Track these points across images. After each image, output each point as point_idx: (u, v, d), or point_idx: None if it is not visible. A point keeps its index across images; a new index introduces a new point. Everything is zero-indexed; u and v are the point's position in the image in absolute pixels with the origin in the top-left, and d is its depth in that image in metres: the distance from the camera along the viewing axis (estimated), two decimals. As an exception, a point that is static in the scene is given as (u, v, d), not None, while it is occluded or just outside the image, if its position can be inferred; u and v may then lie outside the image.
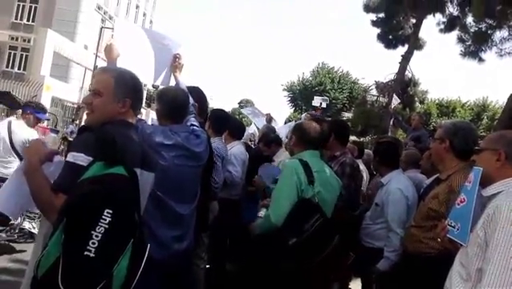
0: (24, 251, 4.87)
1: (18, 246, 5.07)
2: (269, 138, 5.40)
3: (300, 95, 36.16)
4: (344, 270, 3.39)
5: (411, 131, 7.65)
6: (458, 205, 1.86)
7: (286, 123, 12.48)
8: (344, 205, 3.05)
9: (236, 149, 4.30)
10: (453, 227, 1.84)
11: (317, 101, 17.11)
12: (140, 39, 3.06)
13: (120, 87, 1.85)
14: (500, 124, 7.76)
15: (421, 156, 4.16)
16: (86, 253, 1.34)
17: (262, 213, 2.93)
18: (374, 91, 19.99)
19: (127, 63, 2.70)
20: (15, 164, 4.47)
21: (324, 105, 17.33)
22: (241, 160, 4.26)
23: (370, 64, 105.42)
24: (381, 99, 17.64)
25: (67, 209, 1.43)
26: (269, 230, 2.60)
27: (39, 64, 20.00)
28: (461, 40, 12.54)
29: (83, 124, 2.08)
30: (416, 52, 17.27)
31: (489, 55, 12.02)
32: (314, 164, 2.68)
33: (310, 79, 36.81)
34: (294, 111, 36.14)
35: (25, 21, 31.45)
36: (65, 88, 19.83)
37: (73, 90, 21.61)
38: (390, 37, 18.22)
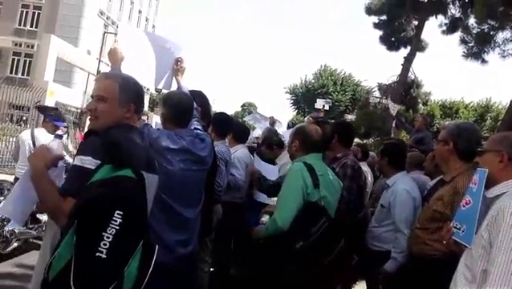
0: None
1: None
2: (271, 141, 5.40)
3: (303, 97, 36.14)
4: (348, 273, 3.37)
5: (414, 132, 7.63)
6: (463, 207, 1.85)
7: (288, 125, 12.48)
8: (347, 207, 3.05)
9: (239, 153, 4.31)
10: (459, 229, 1.83)
11: (320, 103, 17.06)
12: (143, 43, 3.07)
13: (125, 92, 1.87)
14: (504, 124, 7.75)
15: (425, 158, 4.16)
16: (98, 254, 1.37)
17: (264, 219, 2.92)
18: (377, 93, 19.97)
19: (130, 67, 2.72)
20: None
21: (327, 107, 17.27)
22: (244, 163, 4.26)
23: (372, 66, 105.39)
24: (384, 101, 17.60)
25: (77, 211, 1.45)
26: (275, 234, 2.60)
27: (43, 70, 20.11)
28: (463, 41, 12.53)
29: (86, 129, 2.10)
30: (418, 54, 17.28)
31: (491, 56, 12.06)
32: (318, 168, 2.68)
33: (313, 81, 36.77)
34: (297, 113, 36.09)
35: (28, 27, 31.70)
36: (68, 93, 19.91)
37: (76, 95, 21.69)
38: (392, 39, 18.21)
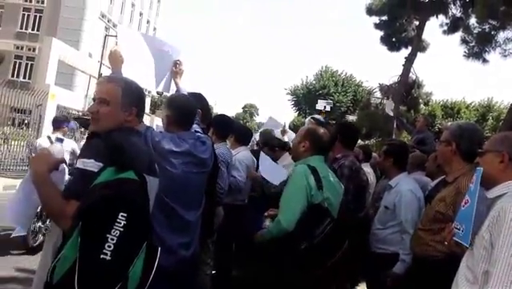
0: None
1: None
2: (273, 142, 5.40)
3: (304, 98, 36.15)
4: (351, 274, 3.36)
5: (415, 133, 7.62)
6: (463, 206, 1.86)
7: (290, 127, 12.45)
8: (347, 208, 3.04)
9: (241, 155, 4.31)
10: (459, 230, 1.83)
11: (321, 105, 17.07)
12: (142, 46, 3.07)
13: (127, 96, 1.88)
14: (505, 124, 7.73)
15: (427, 159, 4.15)
16: (102, 256, 1.38)
17: (267, 223, 2.92)
18: (378, 94, 19.96)
19: (130, 69, 2.72)
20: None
21: (328, 108, 17.28)
22: (245, 165, 4.26)
23: (374, 67, 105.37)
24: (385, 101, 17.60)
25: (82, 214, 1.46)
26: (279, 235, 2.61)
27: (44, 73, 20.11)
28: (464, 41, 12.53)
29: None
30: (419, 54, 17.27)
31: (493, 56, 12.04)
32: (320, 170, 2.70)
33: (314, 82, 36.79)
34: (298, 114, 36.11)
35: (30, 30, 31.83)
36: (70, 96, 19.95)
37: (78, 98, 21.75)
38: (393, 39, 18.21)
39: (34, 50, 30.65)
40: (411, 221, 3.07)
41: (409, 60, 16.91)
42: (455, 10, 15.85)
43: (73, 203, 1.55)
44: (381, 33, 18.38)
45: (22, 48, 31.51)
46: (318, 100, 18.88)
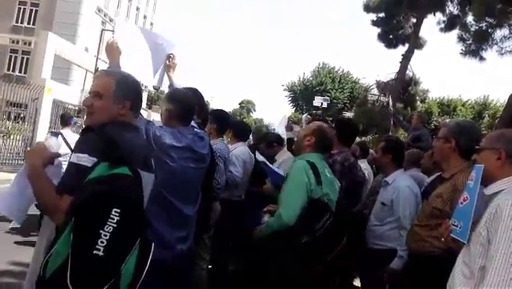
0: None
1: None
2: (271, 138, 5.40)
3: (301, 95, 36.16)
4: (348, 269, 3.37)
5: (412, 130, 7.65)
6: (461, 203, 1.86)
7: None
8: (344, 203, 3.06)
9: (238, 150, 4.31)
10: (456, 226, 1.84)
11: (318, 101, 17.10)
12: (138, 39, 3.04)
13: (121, 89, 1.86)
14: (501, 122, 7.76)
15: (422, 156, 4.17)
16: (95, 252, 1.36)
17: (265, 219, 2.93)
18: (375, 91, 20.01)
19: (127, 63, 2.68)
20: None
21: (325, 105, 17.32)
22: (242, 160, 4.26)
23: (371, 64, 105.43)
24: (382, 98, 17.64)
25: (75, 209, 1.44)
26: (279, 230, 2.63)
27: (40, 67, 19.98)
28: (461, 39, 12.54)
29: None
30: (416, 51, 17.30)
31: (489, 54, 12.06)
32: (319, 166, 2.73)
33: (311, 79, 36.80)
34: (295, 111, 36.10)
35: (26, 24, 31.55)
36: (66, 91, 19.80)
37: (74, 92, 21.60)
38: (390, 36, 18.24)
39: (29, 44, 30.40)
40: (409, 217, 3.08)
41: (406, 57, 16.95)
42: (452, 8, 15.88)
43: (66, 198, 1.54)
44: (378, 30, 18.41)
45: (17, 42, 31.26)
46: (315, 97, 18.94)
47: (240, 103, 71.53)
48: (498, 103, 28.82)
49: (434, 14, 16.20)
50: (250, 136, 6.96)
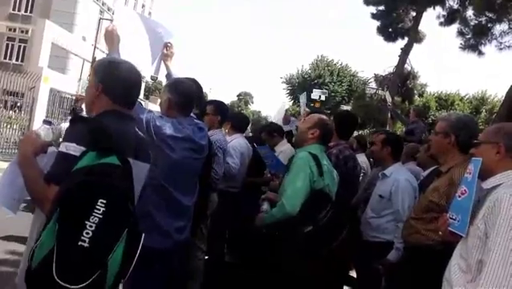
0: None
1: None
2: (273, 128, 5.41)
3: (299, 87, 36.03)
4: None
5: (410, 124, 7.70)
6: (459, 197, 1.84)
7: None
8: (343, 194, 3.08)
9: (235, 142, 4.31)
10: (454, 220, 1.83)
11: (316, 94, 17.06)
12: (138, 26, 2.99)
13: (96, 72, 1.86)
14: (499, 117, 7.77)
15: (419, 149, 4.19)
16: (80, 243, 1.33)
17: (264, 207, 2.94)
18: (373, 84, 20.00)
19: (127, 51, 2.61)
20: None
21: (323, 98, 17.28)
22: (239, 152, 4.26)
23: (369, 57, 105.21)
24: (380, 92, 17.63)
25: (60, 199, 1.42)
26: (282, 219, 2.67)
27: (37, 55, 19.88)
28: (461, 33, 12.49)
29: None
30: (415, 45, 17.25)
31: (488, 49, 12.00)
32: (321, 158, 2.78)
33: (310, 71, 36.67)
34: (293, 103, 36.04)
35: (23, 12, 31.26)
36: (63, 80, 19.67)
37: (71, 81, 21.49)
38: (390, 30, 18.16)
39: (26, 32, 30.15)
40: (408, 210, 3.09)
41: (405, 51, 16.92)
42: (452, 2, 15.79)
43: (54, 187, 1.52)
44: (378, 23, 18.33)
45: (14, 30, 30.98)
46: (314, 90, 18.86)
47: (238, 95, 71.33)
48: (496, 98, 28.84)
49: (434, 8, 16.12)
50: (248, 128, 6.98)
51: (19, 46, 30.60)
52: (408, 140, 5.21)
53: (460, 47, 12.34)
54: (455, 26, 13.64)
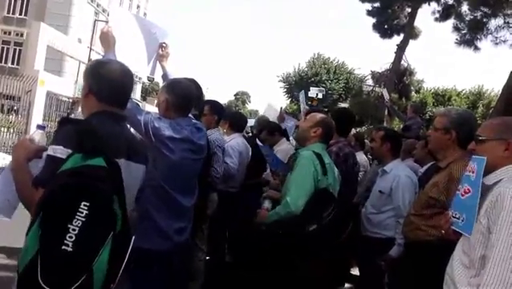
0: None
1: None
2: (273, 127, 5.40)
3: (296, 85, 36.00)
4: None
5: (407, 120, 7.70)
6: (462, 195, 1.80)
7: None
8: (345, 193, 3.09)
9: (233, 141, 4.30)
10: (458, 218, 1.79)
11: (313, 92, 17.05)
12: (133, 27, 2.97)
13: (85, 75, 1.85)
14: (496, 112, 7.77)
15: (416, 145, 4.19)
16: (63, 247, 1.30)
17: (265, 204, 2.94)
18: (370, 81, 20.01)
19: (123, 52, 2.59)
20: None
21: (320, 96, 17.28)
22: (238, 151, 4.25)
23: (366, 54, 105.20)
24: (377, 89, 17.65)
25: (42, 202, 1.39)
26: (286, 218, 2.68)
27: (33, 58, 19.81)
28: (456, 29, 12.52)
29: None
30: (411, 41, 17.28)
31: (484, 44, 12.03)
32: (323, 156, 2.80)
33: (306, 69, 36.66)
34: (291, 102, 36.02)
35: (17, 15, 31.17)
36: (59, 83, 19.62)
37: (67, 84, 21.43)
38: (385, 26, 18.18)
39: (22, 35, 30.05)
40: (408, 206, 3.08)
41: (401, 47, 16.96)
42: (447, -3, 15.82)
43: (41, 191, 1.49)
44: (373, 20, 18.34)
45: (9, 33, 30.88)
46: (311, 88, 18.84)
47: (235, 95, 71.32)
48: (493, 92, 28.90)
49: (429, 4, 16.17)
50: (253, 123, 6.97)
51: (14, 50, 30.51)
52: (405, 137, 5.21)
53: (455, 43, 12.38)
54: (450, 22, 13.69)
